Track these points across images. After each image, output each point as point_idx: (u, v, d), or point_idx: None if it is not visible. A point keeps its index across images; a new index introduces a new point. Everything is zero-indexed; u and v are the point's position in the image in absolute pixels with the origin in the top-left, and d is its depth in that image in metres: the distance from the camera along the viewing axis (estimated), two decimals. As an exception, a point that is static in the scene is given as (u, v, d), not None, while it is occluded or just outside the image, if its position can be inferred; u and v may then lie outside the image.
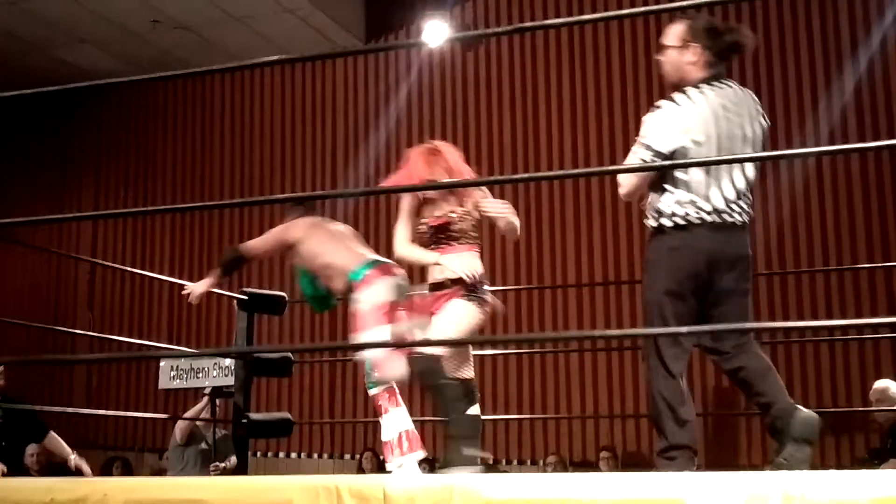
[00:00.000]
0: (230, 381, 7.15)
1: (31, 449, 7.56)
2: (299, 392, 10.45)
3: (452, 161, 4.58)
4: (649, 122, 3.62)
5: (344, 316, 11.25)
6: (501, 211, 4.32)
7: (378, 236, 9.16)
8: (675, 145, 3.52)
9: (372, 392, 4.14)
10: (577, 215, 9.80)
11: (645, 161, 3.57)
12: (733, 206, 3.57)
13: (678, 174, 3.55)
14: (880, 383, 6.95)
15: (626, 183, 3.67)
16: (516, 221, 4.38)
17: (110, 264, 11.03)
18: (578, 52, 10.07)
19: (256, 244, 4.65)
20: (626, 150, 10.57)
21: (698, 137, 3.51)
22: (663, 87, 9.82)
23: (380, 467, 9.20)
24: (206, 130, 12.06)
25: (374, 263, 4.26)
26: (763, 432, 7.86)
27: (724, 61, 3.69)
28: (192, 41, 10.94)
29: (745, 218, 3.63)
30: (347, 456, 10.28)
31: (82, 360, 3.89)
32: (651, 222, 3.63)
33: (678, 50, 3.67)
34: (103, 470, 8.96)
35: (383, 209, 10.16)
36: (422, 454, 4.21)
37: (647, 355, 3.61)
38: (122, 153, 12.49)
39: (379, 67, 11.11)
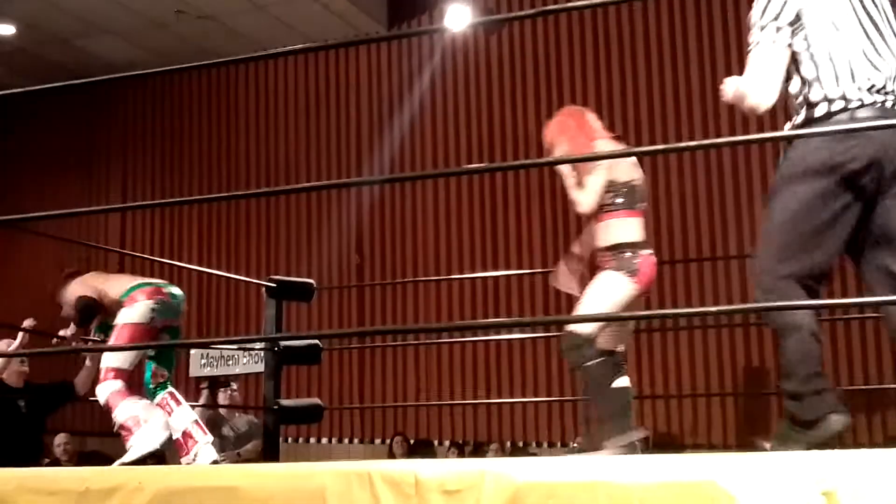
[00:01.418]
0: (260, 367, 7.19)
1: (60, 439, 7.62)
2: (329, 378, 10.49)
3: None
4: (755, 7, 3.05)
5: (371, 301, 11.27)
6: None
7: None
8: (794, 8, 2.95)
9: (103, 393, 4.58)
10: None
11: (759, 44, 2.96)
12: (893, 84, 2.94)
13: (828, 36, 2.91)
14: None
15: (757, 86, 2.97)
16: None
17: (139, 255, 11.08)
18: (602, 35, 10.02)
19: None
20: (652, 132, 10.44)
21: None
22: (688, 70, 9.69)
23: (410, 451, 9.24)
24: (231, 119, 12.10)
25: (142, 285, 4.66)
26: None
27: None
28: (215, 30, 10.97)
29: None
30: (378, 440, 10.33)
31: (108, 349, 3.96)
32: (799, 118, 3.00)
33: None
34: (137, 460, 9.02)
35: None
36: (210, 437, 4.53)
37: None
38: (149, 143, 12.56)
39: (402, 52, 11.10)
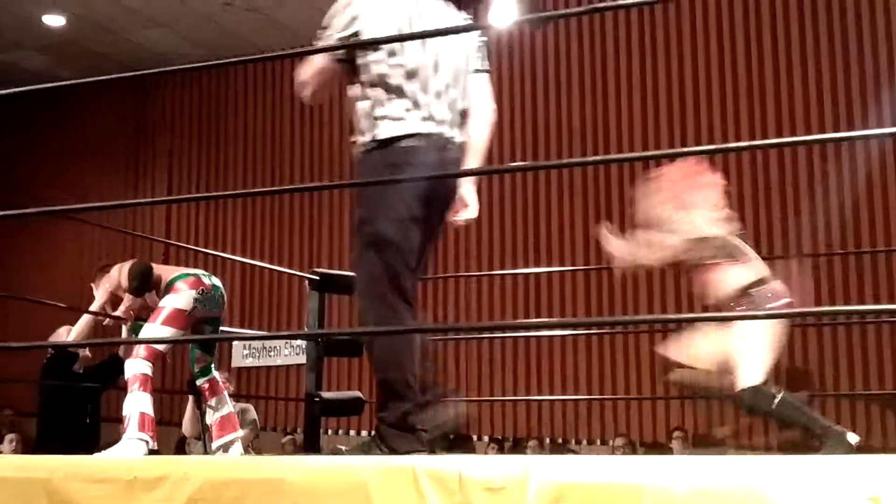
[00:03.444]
0: (302, 359, 7.23)
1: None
2: (370, 371, 10.51)
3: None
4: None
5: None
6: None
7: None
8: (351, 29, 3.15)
9: (130, 370, 4.43)
10: (646, 196, 9.71)
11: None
12: (453, 118, 3.17)
13: (407, 67, 3.08)
14: None
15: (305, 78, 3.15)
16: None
17: (183, 245, 11.18)
18: (649, 33, 9.97)
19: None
20: (697, 131, 10.35)
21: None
22: (735, 69, 9.58)
23: (449, 446, 9.24)
24: (276, 111, 12.16)
25: (184, 276, 4.70)
26: (838, 414, 7.76)
27: None
28: (262, 23, 11.04)
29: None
30: (417, 435, 10.35)
31: (151, 341, 3.98)
32: (367, 136, 3.09)
33: None
34: (178, 449, 9.10)
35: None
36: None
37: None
38: (195, 134, 12.66)
39: (447, 48, 11.08)
